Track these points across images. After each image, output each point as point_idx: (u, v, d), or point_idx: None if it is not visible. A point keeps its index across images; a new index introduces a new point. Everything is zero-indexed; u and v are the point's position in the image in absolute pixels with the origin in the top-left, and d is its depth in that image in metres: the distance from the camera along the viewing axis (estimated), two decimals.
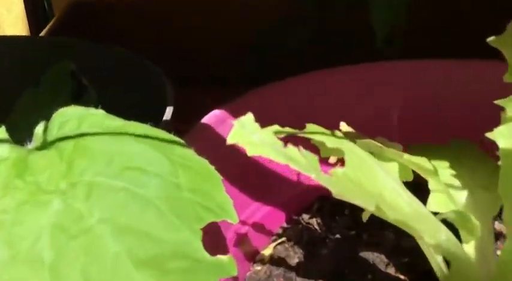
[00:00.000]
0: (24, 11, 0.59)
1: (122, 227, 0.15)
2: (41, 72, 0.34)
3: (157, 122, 0.25)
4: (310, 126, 0.19)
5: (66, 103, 0.33)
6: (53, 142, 0.17)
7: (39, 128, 0.18)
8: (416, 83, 0.30)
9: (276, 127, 0.17)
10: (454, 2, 0.50)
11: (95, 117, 0.18)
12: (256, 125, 0.16)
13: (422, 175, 0.21)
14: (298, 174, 0.28)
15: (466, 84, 0.30)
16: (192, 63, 0.55)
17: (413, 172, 0.22)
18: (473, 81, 0.30)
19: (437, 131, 0.29)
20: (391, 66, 0.31)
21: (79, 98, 0.33)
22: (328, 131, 0.18)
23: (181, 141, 0.18)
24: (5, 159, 0.17)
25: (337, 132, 0.18)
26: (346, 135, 0.22)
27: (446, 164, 0.22)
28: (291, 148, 0.16)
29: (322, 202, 0.29)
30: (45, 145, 0.17)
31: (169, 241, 0.14)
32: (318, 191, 0.28)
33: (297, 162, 0.16)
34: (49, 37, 0.43)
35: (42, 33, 0.49)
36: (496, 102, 0.18)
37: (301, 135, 0.18)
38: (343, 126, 0.24)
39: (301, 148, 0.16)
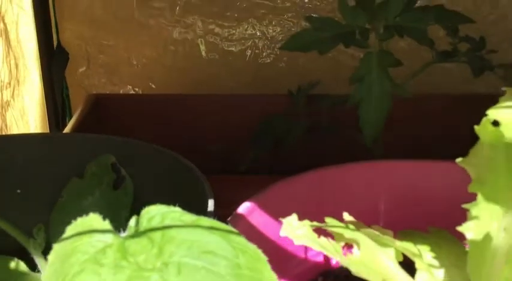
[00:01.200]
0: (44, 101, 0.66)
1: None
2: (79, 165, 0.40)
3: (201, 211, 0.31)
4: (330, 220, 0.25)
5: (107, 192, 0.39)
6: (143, 232, 0.23)
7: (132, 222, 0.24)
8: (396, 180, 0.38)
9: (307, 222, 0.24)
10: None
11: (174, 213, 0.24)
12: (298, 222, 0.23)
13: (410, 256, 0.27)
14: (306, 253, 0.35)
15: (437, 180, 0.38)
16: (198, 152, 0.62)
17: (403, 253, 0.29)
18: (443, 179, 0.37)
19: (417, 218, 0.36)
20: (377, 165, 0.39)
21: (118, 187, 0.39)
22: (343, 225, 0.25)
23: (236, 231, 0.24)
24: (110, 245, 0.23)
25: (350, 226, 0.25)
26: (352, 224, 0.28)
27: (428, 247, 0.29)
28: (323, 239, 0.23)
29: (325, 276, 0.35)
30: (137, 234, 0.23)
31: None
32: (321, 267, 0.35)
33: (327, 249, 0.22)
34: (83, 134, 0.49)
35: (68, 126, 0.55)
36: (463, 206, 0.25)
37: (324, 228, 0.24)
38: (346, 216, 0.31)
39: (329, 238, 0.23)
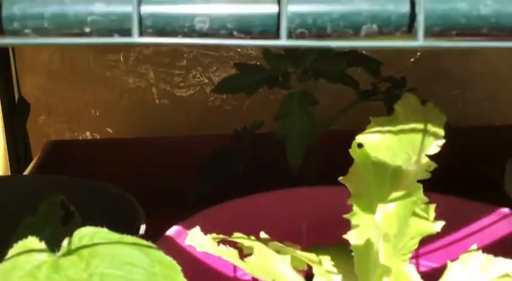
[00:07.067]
0: (6, 149, 0.70)
1: None
2: (33, 205, 0.44)
3: (134, 234, 0.36)
4: (236, 234, 0.30)
5: (57, 227, 0.43)
6: (74, 250, 0.28)
7: (65, 242, 0.28)
8: (314, 205, 0.43)
9: (214, 235, 0.29)
10: None
11: (101, 233, 0.28)
12: (202, 233, 0.28)
13: (310, 263, 0.32)
14: (235, 272, 0.39)
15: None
16: (153, 189, 0.66)
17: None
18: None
19: (328, 235, 0.41)
20: (299, 192, 0.44)
21: (67, 222, 0.43)
22: (245, 236, 0.30)
23: (155, 246, 0.28)
24: (45, 262, 0.27)
25: (252, 237, 0.30)
26: (262, 240, 0.33)
27: (328, 257, 0.34)
28: (222, 246, 0.27)
29: None
30: (69, 252, 0.28)
31: None
32: None
33: (224, 254, 0.27)
34: (36, 176, 0.54)
35: (27, 171, 0.59)
36: (344, 216, 0.30)
37: (230, 239, 0.29)
38: (262, 234, 0.36)
39: (227, 246, 0.28)
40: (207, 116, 0.71)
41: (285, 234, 0.40)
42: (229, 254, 0.27)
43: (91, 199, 0.44)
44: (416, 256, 0.43)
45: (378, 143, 0.30)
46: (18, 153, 0.70)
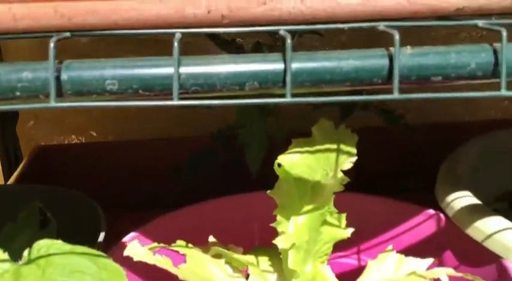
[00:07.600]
0: None
1: None
2: (13, 212, 0.49)
3: (95, 241, 0.40)
4: (179, 242, 0.35)
5: (35, 231, 0.48)
6: (33, 260, 0.32)
7: (25, 252, 0.33)
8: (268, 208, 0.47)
9: (155, 244, 0.33)
10: None
11: (57, 245, 0.33)
12: (139, 245, 0.32)
13: (247, 264, 0.37)
14: None
15: None
16: (124, 194, 0.71)
17: None
18: None
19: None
20: (254, 196, 0.48)
21: (45, 227, 0.48)
22: (185, 244, 0.34)
23: (104, 254, 0.33)
24: (7, 270, 0.32)
25: (190, 245, 0.34)
26: (210, 243, 0.38)
27: (267, 258, 0.39)
28: (158, 256, 0.32)
29: None
30: (29, 262, 0.32)
31: None
32: None
33: (159, 262, 0.31)
34: (17, 185, 0.59)
35: (15, 175, 0.64)
36: (271, 224, 0.35)
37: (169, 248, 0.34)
38: (211, 238, 0.40)
39: (163, 255, 0.32)
40: (183, 119, 0.75)
41: (240, 236, 0.44)
42: (163, 262, 0.32)
43: (60, 205, 0.49)
44: (357, 252, 0.47)
45: (297, 162, 0.34)
46: (9, 157, 0.75)
